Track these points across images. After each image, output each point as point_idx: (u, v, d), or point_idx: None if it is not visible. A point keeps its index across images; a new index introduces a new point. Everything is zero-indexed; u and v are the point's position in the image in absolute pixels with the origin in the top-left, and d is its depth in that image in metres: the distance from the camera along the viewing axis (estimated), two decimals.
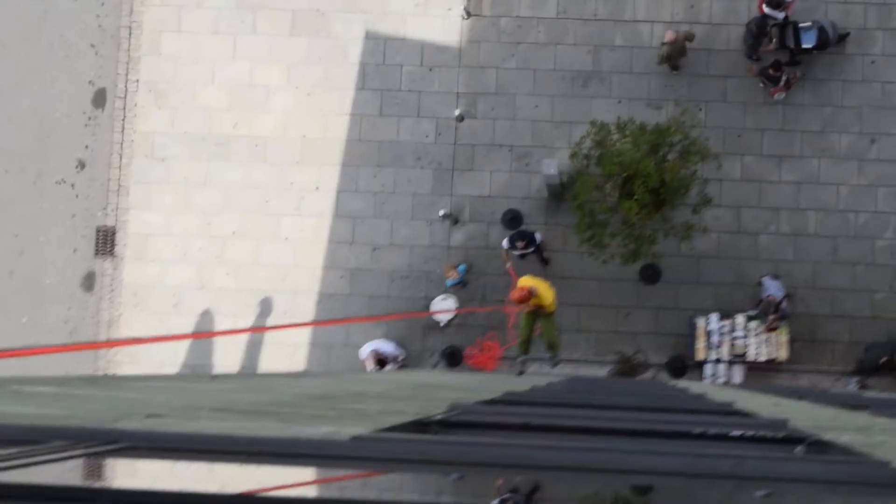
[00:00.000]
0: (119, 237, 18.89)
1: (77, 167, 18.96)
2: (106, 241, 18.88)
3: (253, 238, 18.67)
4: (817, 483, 2.76)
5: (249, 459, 2.46)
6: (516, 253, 17.55)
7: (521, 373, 15.97)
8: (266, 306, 18.65)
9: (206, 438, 2.61)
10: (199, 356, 18.59)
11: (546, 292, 14.99)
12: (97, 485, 2.25)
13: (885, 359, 17.45)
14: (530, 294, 14.71)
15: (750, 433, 4.51)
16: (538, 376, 13.28)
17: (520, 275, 15.72)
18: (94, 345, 17.64)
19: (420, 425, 3.76)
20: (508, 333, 17.56)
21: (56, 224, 18.89)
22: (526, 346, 15.81)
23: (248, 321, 18.40)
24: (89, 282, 18.92)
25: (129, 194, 18.91)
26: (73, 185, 18.94)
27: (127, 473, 2.46)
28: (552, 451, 2.80)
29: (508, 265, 17.68)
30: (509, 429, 4.08)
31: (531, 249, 17.57)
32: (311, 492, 2.48)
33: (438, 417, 3.98)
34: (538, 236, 17.50)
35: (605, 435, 4.14)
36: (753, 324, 17.78)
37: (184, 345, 18.62)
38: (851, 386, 17.60)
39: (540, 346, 16.65)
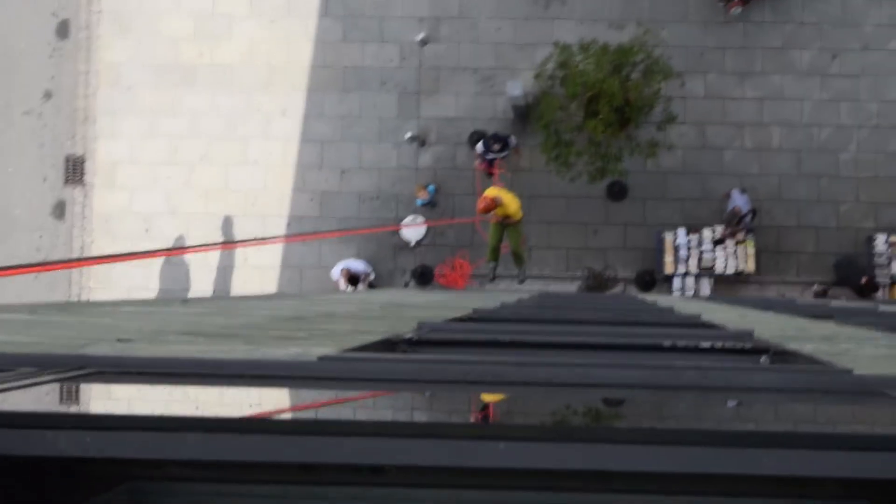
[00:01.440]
0: (88, 166, 18.83)
1: (43, 97, 18.85)
2: (75, 170, 18.83)
3: (221, 164, 18.64)
4: (780, 392, 2.79)
5: (217, 382, 2.47)
6: (490, 157, 17.57)
7: (493, 279, 16.14)
8: (236, 230, 18.65)
9: (174, 362, 2.62)
10: (172, 281, 18.62)
11: (511, 202, 15.08)
12: (70, 410, 2.26)
13: (865, 279, 17.61)
14: (495, 203, 14.81)
15: (716, 345, 4.56)
16: (507, 293, 13.35)
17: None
18: (64, 264, 17.56)
19: (388, 344, 3.78)
20: (478, 233, 17.62)
21: (24, 154, 18.80)
22: (495, 253, 15.95)
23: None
24: (60, 210, 18.87)
25: (96, 123, 18.83)
26: (40, 115, 18.83)
27: (103, 397, 2.48)
28: (518, 368, 2.83)
29: (477, 162, 17.78)
30: (478, 346, 4.11)
31: (504, 153, 17.61)
32: (282, 413, 2.49)
33: (407, 336, 4.00)
34: (513, 140, 17.54)
35: (574, 350, 4.17)
36: (720, 244, 17.93)
37: (156, 270, 18.65)
38: (815, 287, 17.78)
39: (509, 264, 16.73)
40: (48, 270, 15.71)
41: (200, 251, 17.75)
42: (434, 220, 18.12)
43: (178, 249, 18.72)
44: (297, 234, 18.29)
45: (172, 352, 3.14)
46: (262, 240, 17.38)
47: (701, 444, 1.86)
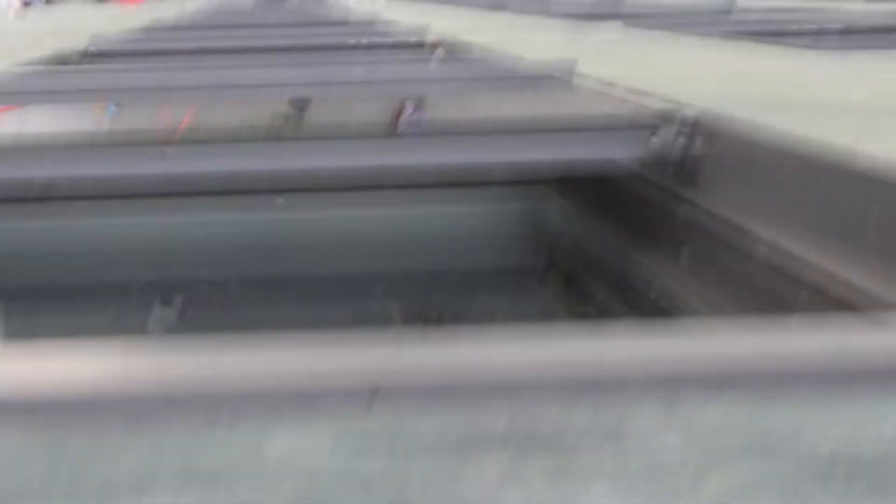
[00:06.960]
0: None
1: None
2: None
3: None
4: (451, 82, 2.89)
5: None
6: None
7: None
8: None
9: None
10: None
11: None
12: None
13: None
14: None
15: (395, 41, 4.64)
16: (192, 1, 13.07)
17: None
18: None
19: (62, 58, 3.69)
20: None
21: None
22: None
23: None
24: None
25: None
26: None
27: None
28: (198, 72, 2.83)
29: None
30: (159, 55, 4.06)
31: None
32: None
33: (81, 49, 3.92)
34: None
35: (258, 53, 4.18)
36: None
37: None
38: None
39: None
40: None
41: None
42: None
43: None
44: None
45: None
46: None
47: (364, 137, 1.92)
